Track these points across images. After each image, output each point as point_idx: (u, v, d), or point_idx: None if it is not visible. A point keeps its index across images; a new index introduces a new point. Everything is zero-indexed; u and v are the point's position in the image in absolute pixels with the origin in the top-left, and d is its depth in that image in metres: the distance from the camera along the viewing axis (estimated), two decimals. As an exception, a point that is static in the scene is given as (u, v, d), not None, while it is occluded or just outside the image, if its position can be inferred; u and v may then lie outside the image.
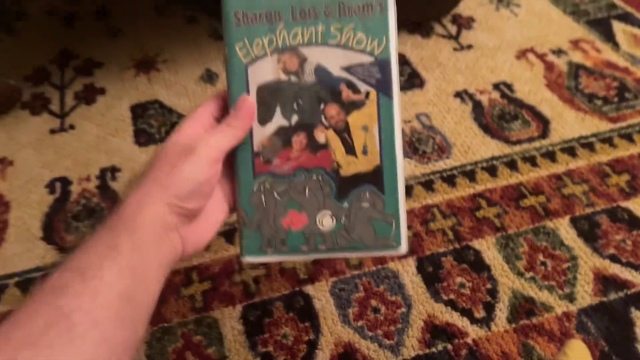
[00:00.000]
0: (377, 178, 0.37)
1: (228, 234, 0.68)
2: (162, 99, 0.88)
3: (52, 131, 0.83)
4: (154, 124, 0.84)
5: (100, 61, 0.96)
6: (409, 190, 0.72)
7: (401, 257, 0.64)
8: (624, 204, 0.69)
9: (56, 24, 1.05)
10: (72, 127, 0.84)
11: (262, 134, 0.37)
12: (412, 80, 0.90)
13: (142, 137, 0.82)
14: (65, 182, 0.75)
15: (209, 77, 0.92)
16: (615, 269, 0.62)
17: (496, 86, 0.88)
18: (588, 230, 0.66)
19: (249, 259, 0.38)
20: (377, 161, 0.37)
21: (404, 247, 0.38)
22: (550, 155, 0.76)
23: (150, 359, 0.56)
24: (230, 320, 0.59)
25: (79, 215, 0.71)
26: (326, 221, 0.37)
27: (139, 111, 0.86)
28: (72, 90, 0.91)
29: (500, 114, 0.83)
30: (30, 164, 0.78)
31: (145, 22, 1.04)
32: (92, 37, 1.01)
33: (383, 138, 0.37)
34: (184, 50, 0.98)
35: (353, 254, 0.39)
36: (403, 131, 0.79)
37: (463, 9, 1.05)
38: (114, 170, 0.77)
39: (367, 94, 0.36)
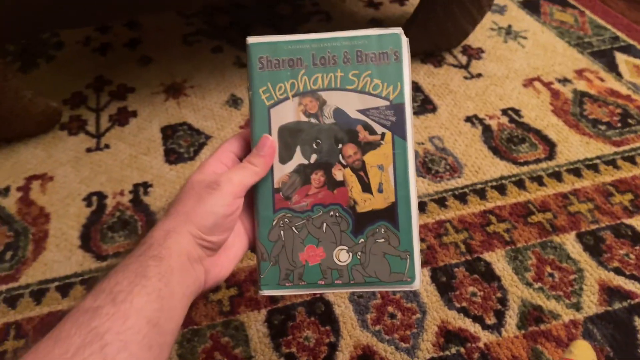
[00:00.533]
0: (392, 215, 0.38)
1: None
2: (190, 121, 0.94)
3: (89, 150, 0.89)
4: (182, 144, 0.90)
5: (132, 86, 1.03)
6: (422, 206, 0.76)
7: (416, 268, 0.68)
8: (628, 221, 0.73)
9: (91, 53, 1.13)
10: (107, 146, 0.90)
11: (282, 171, 0.38)
12: (425, 105, 0.95)
13: (172, 156, 0.87)
14: (101, 196, 0.81)
15: (234, 101, 0.98)
16: (619, 281, 0.66)
17: (504, 112, 0.93)
18: (593, 245, 0.70)
19: (266, 292, 0.39)
20: (392, 199, 0.38)
21: (417, 283, 0.39)
22: (557, 176, 0.80)
23: (181, 358, 0.60)
24: (255, 324, 0.63)
25: (113, 226, 0.76)
26: (342, 256, 0.39)
27: (168, 132, 0.92)
28: (106, 112, 0.97)
29: (509, 137, 0.87)
30: (69, 180, 0.84)
31: (173, 51, 1.12)
32: (124, 65, 1.08)
33: (398, 177, 0.38)
34: (210, 77, 1.04)
35: (368, 288, 0.40)
36: (417, 152, 0.84)
37: (473, 41, 1.11)
38: (146, 185, 0.82)
39: (383, 135, 0.38)
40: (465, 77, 1.02)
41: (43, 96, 0.90)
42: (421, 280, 0.40)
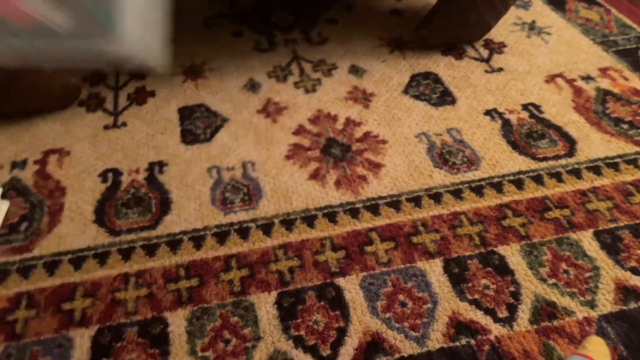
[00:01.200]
0: None
1: (265, 227, 0.72)
2: (208, 103, 0.94)
3: (106, 127, 0.90)
4: (199, 125, 0.90)
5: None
6: (438, 197, 0.75)
7: (429, 258, 0.68)
8: (647, 221, 0.72)
9: (112, 32, 1.13)
10: (124, 124, 0.90)
11: None
12: (444, 97, 0.94)
13: (188, 137, 0.87)
14: (116, 172, 0.81)
15: (252, 86, 0.98)
16: (636, 281, 0.64)
17: (525, 107, 0.91)
18: (611, 244, 0.69)
19: None
20: None
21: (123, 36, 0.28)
22: (576, 173, 0.79)
23: (190, 335, 0.60)
24: (265, 305, 0.63)
25: (127, 202, 0.76)
26: None
27: (185, 113, 0.92)
28: (125, 91, 0.97)
29: (528, 132, 0.86)
30: (86, 155, 0.84)
31: (194, 34, 1.11)
32: (144, 45, 1.08)
33: None
34: (229, 61, 1.04)
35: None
36: (434, 143, 0.83)
37: (495, 35, 1.10)
38: (161, 164, 0.82)
39: None
40: (486, 71, 1.00)
41: (63, 72, 0.90)
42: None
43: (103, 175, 0.81)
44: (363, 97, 0.95)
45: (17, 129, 0.89)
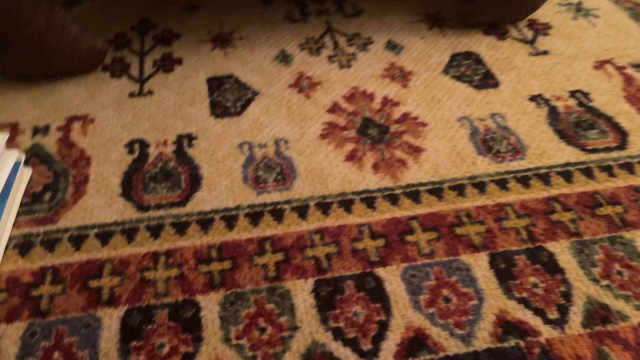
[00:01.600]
0: None
1: (300, 210, 0.68)
2: (238, 74, 0.90)
3: (132, 95, 0.85)
4: (229, 97, 0.85)
5: (178, 32, 0.98)
6: (482, 187, 0.72)
7: (473, 251, 0.64)
8: None
9: (136, -7, 1.08)
10: (150, 92, 0.86)
11: None
12: (487, 80, 0.89)
13: (218, 109, 0.83)
14: (143, 144, 0.77)
15: (284, 57, 0.93)
16: (693, 287, 0.61)
17: (572, 93, 0.87)
18: (666, 245, 0.65)
19: None
20: None
21: None
22: (628, 167, 0.74)
23: (223, 320, 0.57)
24: (302, 293, 0.60)
25: (156, 176, 0.73)
26: None
27: (214, 84, 0.88)
28: (151, 57, 0.93)
29: (577, 121, 0.82)
30: (111, 124, 0.80)
31: (222, 0, 1.06)
32: (171, 9, 1.03)
33: None
34: (259, 30, 0.99)
35: None
36: (477, 128, 0.79)
37: (540, 16, 1.04)
38: (190, 137, 0.78)
39: None
40: (531, 54, 0.95)
41: (89, 34, 0.85)
42: None
43: (129, 146, 0.77)
44: (401, 76, 0.90)
45: (39, 93, 0.85)
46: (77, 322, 0.57)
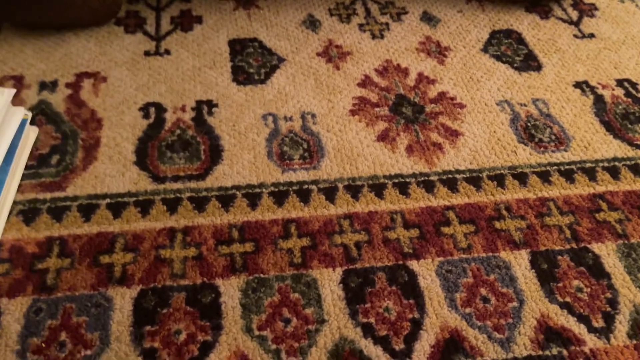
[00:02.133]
0: None
1: (328, 192, 0.63)
2: (262, 38, 0.83)
3: (147, 53, 0.79)
4: (252, 63, 0.79)
5: (198, -12, 0.91)
6: (523, 178, 0.67)
7: (513, 248, 0.60)
8: None
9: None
10: (167, 52, 0.79)
11: None
12: (529, 61, 0.83)
13: (240, 75, 0.77)
14: (159, 108, 0.71)
15: (312, 23, 0.87)
16: None
17: (620, 82, 0.81)
18: None
19: None
20: None
21: None
22: (679, 167, 0.70)
23: (245, 308, 0.53)
24: (330, 283, 0.56)
25: (173, 145, 0.67)
26: None
27: (237, 47, 0.81)
28: (168, 13, 0.86)
29: (624, 113, 0.76)
30: (124, 84, 0.74)
31: (246, -46, 0.98)
32: (190, -38, 0.95)
33: None
34: (286, -9, 0.92)
35: None
36: (518, 114, 0.74)
37: (585, -5, 0.97)
38: (210, 104, 0.72)
39: None
40: (576, 36, 0.89)
41: (102, -17, 0.78)
42: None
43: (144, 110, 0.71)
44: (437, 51, 0.84)
45: (46, 45, 0.78)
46: (86, 300, 0.53)
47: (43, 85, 0.73)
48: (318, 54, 0.82)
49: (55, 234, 0.58)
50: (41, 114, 0.69)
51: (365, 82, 0.78)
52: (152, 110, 0.71)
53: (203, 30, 0.84)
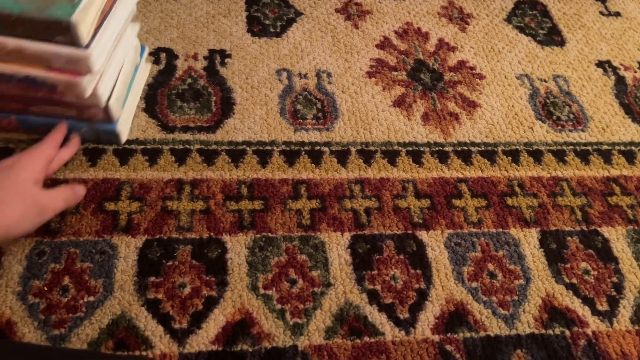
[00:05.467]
0: None
1: (340, 155, 0.62)
2: (280, -11, 0.80)
3: (160, -5, 0.75)
4: (269, 14, 0.76)
5: None
6: (538, 156, 0.66)
7: (524, 226, 0.59)
8: None
9: None
10: (181, -5, 0.76)
11: None
12: (552, 35, 0.81)
13: (256, 27, 0.74)
14: (170, 54, 0.69)
15: (332, -23, 0.83)
16: None
17: (643, 65, 0.79)
18: None
19: None
20: None
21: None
22: (695, 156, 0.69)
23: (251, 266, 0.53)
24: (337, 247, 0.55)
25: (183, 94, 0.65)
26: None
27: (253, -4, 0.78)
28: (183, -46, 0.82)
29: (645, 97, 0.75)
30: (135, 26, 0.71)
31: None
32: None
33: None
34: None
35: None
36: (537, 89, 0.72)
37: (615, -30, 0.94)
38: (223, 54, 0.70)
39: None
40: (602, 13, 0.86)
41: None
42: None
43: (155, 55, 0.68)
44: (459, 17, 0.81)
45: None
46: (90, 246, 0.52)
47: (49, 21, 0.69)
48: (337, 10, 0.78)
49: (60, 176, 0.56)
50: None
51: (384, 43, 0.75)
52: (163, 55, 0.68)
53: (218, -25, 0.80)
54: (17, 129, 0.55)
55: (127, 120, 0.59)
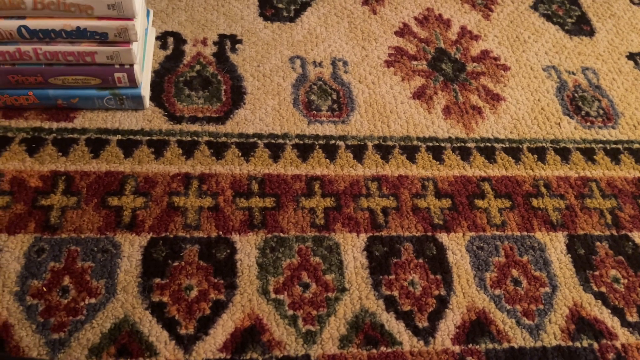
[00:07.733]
0: None
1: (357, 150, 0.59)
2: (294, -30, 0.75)
3: (167, -25, 0.71)
4: (282, -3, 0.72)
5: None
6: (566, 154, 0.62)
7: (550, 229, 0.56)
8: None
9: None
10: (189, -24, 0.72)
11: None
12: (581, 25, 0.76)
13: (268, 10, 0.70)
14: (178, 39, 0.65)
15: (349, -42, 0.78)
16: None
17: (676, 58, 0.75)
18: None
19: None
20: None
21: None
22: None
23: (261, 268, 0.50)
24: (353, 249, 0.52)
25: (191, 81, 0.61)
26: None
27: (266, -22, 0.74)
28: None
29: (678, 92, 0.71)
30: (141, 8, 0.67)
31: None
32: None
33: None
34: None
35: None
36: (565, 82, 0.68)
37: (648, -44, 0.88)
38: (234, 39, 0.66)
39: None
40: (632, 2, 0.82)
41: None
42: None
43: (162, 39, 0.65)
44: (483, 4, 0.77)
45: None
46: (92, 244, 0.49)
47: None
48: (354, -5, 0.74)
49: (61, 168, 0.53)
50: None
51: (404, 30, 0.71)
52: (170, 40, 0.65)
53: (229, -46, 0.76)
54: (35, 105, 0.54)
55: (146, 86, 0.58)
